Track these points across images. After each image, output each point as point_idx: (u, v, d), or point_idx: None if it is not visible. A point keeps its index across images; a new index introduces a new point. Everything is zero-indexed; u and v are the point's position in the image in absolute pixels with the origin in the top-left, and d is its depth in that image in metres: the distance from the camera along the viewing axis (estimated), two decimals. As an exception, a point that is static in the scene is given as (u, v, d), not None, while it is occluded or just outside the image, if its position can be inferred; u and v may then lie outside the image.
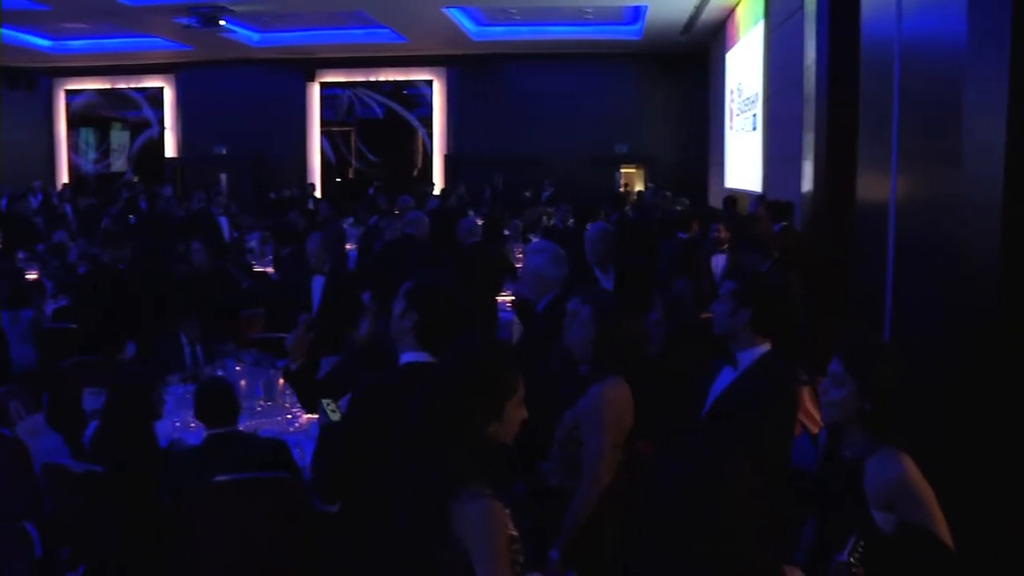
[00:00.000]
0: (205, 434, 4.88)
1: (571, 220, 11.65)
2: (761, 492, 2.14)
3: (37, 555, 3.70)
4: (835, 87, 7.86)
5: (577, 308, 4.03)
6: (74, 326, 8.20)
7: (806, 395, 5.14)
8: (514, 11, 19.02)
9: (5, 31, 19.50)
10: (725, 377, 3.86)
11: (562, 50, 21.51)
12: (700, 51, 21.41)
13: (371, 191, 19.46)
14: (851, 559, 2.79)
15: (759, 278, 4.27)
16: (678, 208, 14.29)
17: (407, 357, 3.41)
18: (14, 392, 6.18)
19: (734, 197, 15.60)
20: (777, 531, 3.01)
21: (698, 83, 22.07)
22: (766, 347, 3.79)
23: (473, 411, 2.55)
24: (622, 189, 20.87)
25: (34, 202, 17.29)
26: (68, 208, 17.33)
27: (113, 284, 8.13)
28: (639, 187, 21.12)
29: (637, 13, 18.85)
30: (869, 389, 3.03)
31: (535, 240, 10.03)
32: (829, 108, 7.95)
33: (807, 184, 8.71)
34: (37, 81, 23.82)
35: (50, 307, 9.01)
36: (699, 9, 16.88)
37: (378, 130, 23.90)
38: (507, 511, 2.52)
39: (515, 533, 2.50)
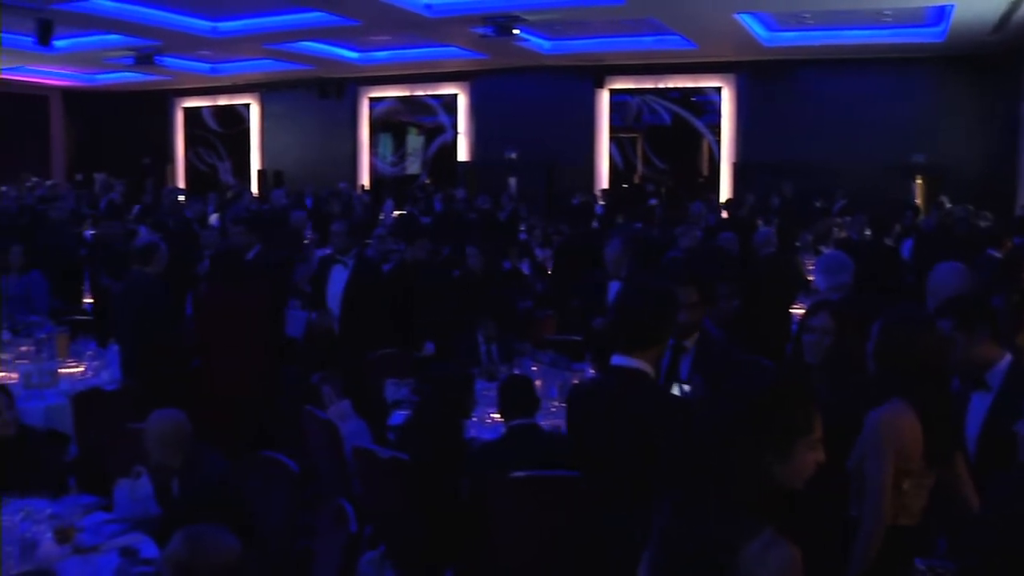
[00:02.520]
0: (505, 427, 5.09)
1: (867, 231, 11.18)
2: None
3: (352, 531, 3.95)
4: None
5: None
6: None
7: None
8: (807, 15, 18.46)
9: (318, 45, 21.05)
10: (979, 403, 3.72)
11: (856, 55, 20.58)
12: (1013, 52, 19.79)
13: (652, 201, 19.45)
14: None
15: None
16: (982, 224, 13.40)
17: (615, 360, 3.58)
18: (327, 378, 6.64)
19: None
20: None
21: (1008, 87, 20.33)
22: (1008, 356, 3.68)
23: (760, 449, 2.36)
24: (917, 201, 19.80)
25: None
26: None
27: (415, 281, 8.55)
28: (935, 199, 19.87)
29: (941, 13, 17.79)
30: None
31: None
32: None
33: None
34: (345, 90, 25.40)
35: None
36: (1015, 5, 15.65)
37: (665, 137, 23.78)
38: None
39: None
